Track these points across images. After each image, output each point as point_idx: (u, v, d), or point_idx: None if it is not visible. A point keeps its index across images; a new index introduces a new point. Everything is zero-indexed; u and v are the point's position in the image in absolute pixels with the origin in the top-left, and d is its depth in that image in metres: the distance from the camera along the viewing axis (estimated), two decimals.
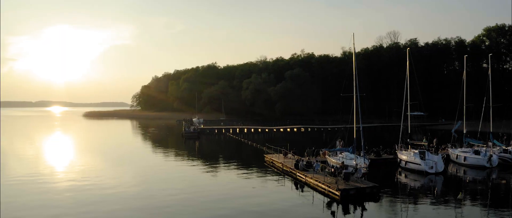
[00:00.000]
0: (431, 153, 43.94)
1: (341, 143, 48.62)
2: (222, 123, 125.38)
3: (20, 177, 41.11)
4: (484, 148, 48.87)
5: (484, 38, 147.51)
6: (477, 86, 79.46)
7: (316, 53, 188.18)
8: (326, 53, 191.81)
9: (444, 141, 60.76)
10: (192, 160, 55.78)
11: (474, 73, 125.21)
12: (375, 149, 51.53)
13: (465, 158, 47.50)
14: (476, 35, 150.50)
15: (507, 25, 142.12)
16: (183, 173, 44.74)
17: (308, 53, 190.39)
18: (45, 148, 74.50)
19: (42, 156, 61.19)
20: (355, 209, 29.41)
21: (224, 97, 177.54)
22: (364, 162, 37.03)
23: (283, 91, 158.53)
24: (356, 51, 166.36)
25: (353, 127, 41.91)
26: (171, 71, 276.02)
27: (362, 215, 28.26)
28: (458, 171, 45.74)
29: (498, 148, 51.02)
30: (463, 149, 50.48)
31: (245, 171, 44.60)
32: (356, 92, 40.14)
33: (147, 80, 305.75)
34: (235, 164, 50.75)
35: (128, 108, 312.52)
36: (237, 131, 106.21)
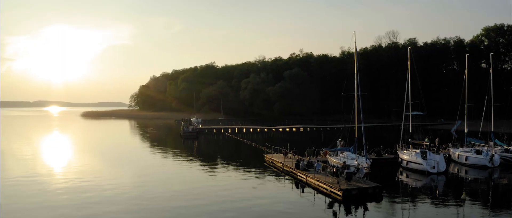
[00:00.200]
0: (432, 152, 43.58)
1: (342, 142, 48.24)
2: (220, 123, 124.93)
3: (18, 178, 40.57)
4: (486, 148, 48.53)
5: (483, 38, 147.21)
6: (476, 86, 79.28)
7: (315, 53, 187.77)
8: (324, 53, 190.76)
9: (444, 141, 60.41)
10: (191, 160, 55.31)
11: (473, 73, 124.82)
12: (375, 148, 51.15)
13: (466, 158, 47.14)
14: (475, 35, 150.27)
15: (506, 25, 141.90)
16: (183, 174, 44.32)
17: (307, 53, 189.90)
18: (43, 148, 74.00)
19: (40, 156, 60.67)
20: (357, 209, 29.03)
21: (222, 97, 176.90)
22: (366, 162, 36.62)
23: (281, 91, 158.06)
24: (354, 51, 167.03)
25: (355, 126, 41.56)
26: (170, 71, 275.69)
27: (364, 215, 27.86)
28: (459, 170, 45.40)
29: (499, 147, 50.69)
30: (465, 149, 50.13)
31: (245, 171, 44.20)
32: (357, 92, 39.73)
33: (145, 80, 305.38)
34: (234, 164, 50.30)
35: (126, 108, 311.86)
36: (236, 131, 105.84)
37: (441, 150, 51.68)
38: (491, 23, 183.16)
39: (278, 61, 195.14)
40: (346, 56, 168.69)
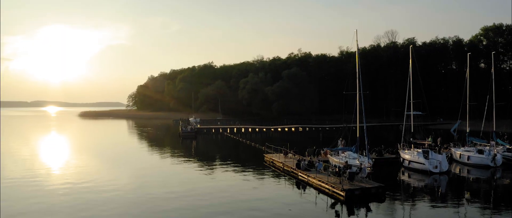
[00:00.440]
0: (435, 152, 43.17)
1: (343, 142, 47.79)
2: (219, 123, 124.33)
3: (15, 179, 39.92)
4: (488, 147, 48.13)
5: (481, 37, 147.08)
6: (476, 85, 78.99)
7: (313, 53, 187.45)
8: (323, 53, 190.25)
9: (444, 140, 60.03)
10: (191, 160, 54.77)
11: (473, 73, 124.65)
12: (376, 148, 50.68)
13: (468, 157, 46.74)
14: (474, 35, 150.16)
15: (504, 25, 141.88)
16: (182, 174, 43.77)
17: (305, 52, 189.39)
18: (41, 148, 73.31)
19: (38, 157, 59.96)
20: (360, 210, 28.59)
21: (220, 97, 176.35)
22: (368, 162, 36.16)
23: (280, 91, 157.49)
24: (353, 50, 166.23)
25: (355, 126, 41.10)
26: (168, 71, 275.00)
27: (367, 216, 27.42)
28: (461, 170, 45.02)
29: (501, 147, 50.33)
30: (466, 148, 49.73)
31: (245, 171, 43.68)
32: (359, 90, 39.28)
33: (143, 80, 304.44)
34: (234, 164, 49.78)
35: (124, 108, 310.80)
36: (235, 131, 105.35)
37: (442, 149, 51.30)
38: (489, 23, 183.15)
39: (276, 61, 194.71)
40: (345, 56, 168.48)
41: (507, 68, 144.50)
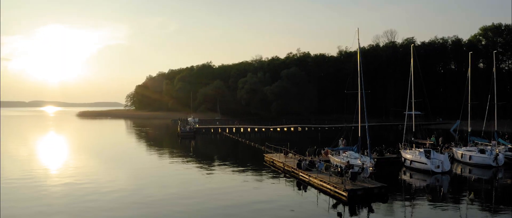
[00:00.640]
0: (436, 152, 42.80)
1: (344, 142, 47.42)
2: (217, 123, 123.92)
3: (13, 179, 39.37)
4: (489, 147, 47.80)
5: (480, 37, 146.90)
6: (475, 85, 78.81)
7: (312, 53, 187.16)
8: (322, 52, 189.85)
9: (445, 140, 59.70)
10: (190, 160, 54.33)
11: (472, 72, 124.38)
12: (377, 148, 50.25)
13: (470, 157, 46.39)
14: (473, 35, 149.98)
15: (503, 25, 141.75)
16: (182, 174, 43.20)
17: (304, 52, 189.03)
18: (39, 148, 72.76)
19: (36, 157, 59.35)
20: (363, 210, 28.20)
21: (219, 97, 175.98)
22: (370, 161, 35.77)
23: (279, 91, 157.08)
24: (352, 50, 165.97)
25: (356, 125, 40.73)
26: (166, 71, 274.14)
27: (369, 216, 27.03)
28: (463, 170, 44.66)
29: (503, 146, 50.01)
30: (468, 148, 49.39)
31: (245, 171, 43.27)
32: (361, 89, 38.92)
33: (141, 80, 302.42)
34: (234, 164, 49.37)
35: (122, 108, 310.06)
36: (233, 131, 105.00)
37: (444, 149, 50.96)
38: (488, 23, 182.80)
39: (275, 61, 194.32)
40: (344, 56, 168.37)
41: (506, 68, 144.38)
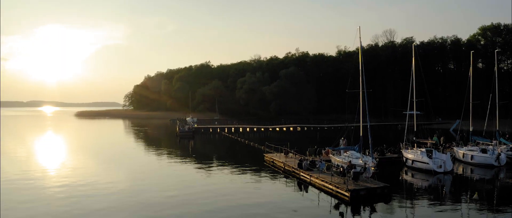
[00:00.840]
0: (438, 151, 42.45)
1: (345, 141, 47.04)
2: (216, 122, 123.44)
3: (11, 180, 38.81)
4: (491, 146, 47.47)
5: (479, 37, 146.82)
6: (475, 85, 78.57)
7: (311, 53, 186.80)
8: (320, 52, 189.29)
9: (446, 140, 59.40)
10: (189, 160, 53.91)
11: (473, 71, 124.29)
12: (378, 147, 49.87)
13: (472, 157, 46.06)
14: (472, 34, 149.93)
15: (502, 25, 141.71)
16: (181, 174, 42.80)
17: (303, 52, 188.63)
18: (37, 148, 72.21)
19: (34, 157, 58.77)
20: (365, 210, 27.81)
21: (218, 97, 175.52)
22: (372, 161, 35.39)
23: (278, 90, 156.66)
24: (351, 50, 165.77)
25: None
26: (164, 70, 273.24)
27: (372, 217, 26.66)
28: (465, 170, 44.33)
29: (505, 146, 49.71)
30: (470, 148, 49.07)
31: (245, 171, 42.86)
32: (363, 88, 38.56)
33: (139, 80, 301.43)
34: (234, 164, 48.95)
35: (120, 108, 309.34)
36: (232, 130, 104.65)
37: (445, 149, 50.61)
38: (487, 23, 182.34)
39: (273, 61, 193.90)
40: (343, 56, 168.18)
41: (505, 68, 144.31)
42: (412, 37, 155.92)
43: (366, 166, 33.64)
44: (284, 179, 38.16)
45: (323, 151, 47.60)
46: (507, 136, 58.02)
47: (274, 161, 46.45)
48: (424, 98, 49.29)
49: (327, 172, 35.08)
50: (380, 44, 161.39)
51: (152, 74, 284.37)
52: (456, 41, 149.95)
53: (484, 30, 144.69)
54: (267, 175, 40.76)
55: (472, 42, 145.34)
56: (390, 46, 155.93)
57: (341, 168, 33.45)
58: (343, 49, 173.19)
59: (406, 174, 41.41)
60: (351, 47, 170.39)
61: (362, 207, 28.18)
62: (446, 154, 42.63)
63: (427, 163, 40.16)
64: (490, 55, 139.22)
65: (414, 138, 46.88)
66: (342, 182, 31.12)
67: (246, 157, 57.67)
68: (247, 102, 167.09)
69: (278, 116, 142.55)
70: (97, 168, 46.66)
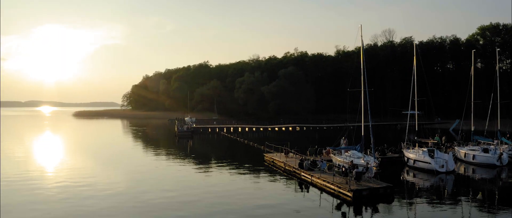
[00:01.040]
0: (440, 151, 42.09)
1: (345, 141, 46.66)
2: (214, 122, 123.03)
3: (10, 180, 38.32)
4: (493, 146, 47.13)
5: (478, 37, 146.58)
6: (475, 84, 78.27)
7: (309, 53, 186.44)
8: (319, 52, 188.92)
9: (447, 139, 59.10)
10: (189, 160, 53.45)
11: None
12: (379, 147, 49.49)
13: (474, 156, 45.71)
14: (471, 34, 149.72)
15: (501, 24, 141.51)
16: (180, 175, 42.34)
17: (302, 52, 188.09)
18: (35, 148, 71.72)
19: (32, 157, 58.30)
20: (368, 211, 27.42)
21: (216, 97, 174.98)
22: (374, 161, 35.01)
23: (276, 90, 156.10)
24: (350, 50, 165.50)
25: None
26: (162, 70, 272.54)
27: (373, 217, 26.29)
28: (467, 169, 43.97)
29: (506, 146, 49.38)
30: (471, 147, 48.73)
31: (245, 171, 42.45)
32: (364, 87, 38.21)
33: (137, 80, 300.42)
34: (233, 163, 48.51)
35: (118, 108, 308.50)
36: (231, 130, 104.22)
37: (447, 148, 50.29)
38: (485, 23, 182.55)
39: (272, 60, 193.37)
40: (342, 56, 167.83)
41: (504, 67, 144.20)
42: (411, 36, 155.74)
43: (368, 165, 33.25)
44: (285, 179, 37.76)
45: (323, 151, 47.23)
46: (508, 135, 57.76)
47: (274, 161, 46.05)
48: (425, 97, 48.81)
49: (329, 172, 34.69)
50: (379, 44, 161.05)
51: (151, 74, 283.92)
52: (455, 41, 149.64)
53: (483, 30, 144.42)
54: (268, 175, 40.34)
55: (471, 42, 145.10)
56: (389, 46, 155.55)
57: (343, 168, 33.06)
58: (342, 49, 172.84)
59: (408, 174, 41.03)
60: (350, 47, 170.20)
61: (364, 207, 27.79)
62: (448, 153, 42.24)
63: (429, 163, 39.78)
64: (489, 55, 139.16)
65: (415, 138, 46.49)
66: (344, 182, 30.74)
67: (245, 157, 57.25)
68: (246, 102, 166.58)
69: (277, 116, 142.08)
70: (95, 169, 46.14)
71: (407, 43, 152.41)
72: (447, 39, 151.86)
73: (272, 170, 42.65)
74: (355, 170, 32.04)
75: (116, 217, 26.07)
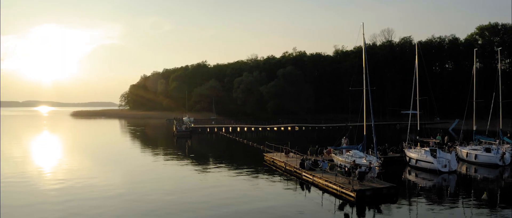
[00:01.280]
0: (442, 150, 41.67)
1: (346, 140, 46.21)
2: (213, 122, 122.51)
3: (8, 181, 37.71)
4: (495, 145, 46.74)
5: (477, 37, 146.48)
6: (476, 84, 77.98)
7: (308, 52, 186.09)
8: (318, 52, 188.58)
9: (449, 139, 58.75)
10: (188, 160, 52.92)
11: (470, 71, 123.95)
12: (380, 147, 49.02)
13: (476, 156, 45.34)
14: (469, 34, 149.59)
15: (500, 24, 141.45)
16: (179, 175, 41.79)
17: (300, 51, 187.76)
18: (33, 148, 71.08)
19: (30, 157, 57.61)
20: (371, 211, 26.99)
21: (214, 97, 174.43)
22: (377, 161, 34.55)
23: (275, 90, 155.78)
24: (349, 50, 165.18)
25: (363, 123, 39.54)
26: (160, 70, 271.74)
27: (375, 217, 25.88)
28: (469, 169, 43.59)
29: (508, 145, 49.03)
30: (473, 147, 48.36)
31: (245, 171, 41.92)
32: (366, 86, 37.78)
33: (135, 80, 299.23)
34: (233, 163, 48.06)
35: (116, 108, 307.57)
36: (230, 130, 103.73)
37: (449, 148, 49.89)
38: (484, 22, 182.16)
39: (271, 60, 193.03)
40: (340, 55, 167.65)
41: (503, 67, 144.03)
42: (410, 36, 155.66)
43: (371, 165, 32.80)
44: (286, 179, 37.28)
45: (324, 151, 46.77)
46: (509, 134, 57.43)
47: (275, 161, 45.58)
48: (427, 96, 48.41)
49: (331, 172, 34.24)
50: (378, 44, 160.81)
51: (148, 74, 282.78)
52: (454, 41, 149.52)
53: (482, 29, 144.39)
54: (268, 175, 39.84)
55: (470, 41, 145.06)
56: (388, 45, 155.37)
57: (346, 168, 32.60)
58: (341, 48, 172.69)
59: (410, 173, 40.62)
60: (349, 47, 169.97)
61: (367, 207, 27.36)
62: (450, 153, 41.82)
63: (432, 163, 39.36)
64: (488, 55, 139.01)
65: (417, 137, 46.07)
66: (347, 182, 30.30)
67: (245, 156, 56.80)
68: (244, 102, 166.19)
69: (276, 116, 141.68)
70: (94, 169, 45.59)
71: (406, 43, 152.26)
72: (446, 39, 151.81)
73: (273, 170, 42.17)
74: (358, 170, 31.58)
75: (116, 216, 25.57)
